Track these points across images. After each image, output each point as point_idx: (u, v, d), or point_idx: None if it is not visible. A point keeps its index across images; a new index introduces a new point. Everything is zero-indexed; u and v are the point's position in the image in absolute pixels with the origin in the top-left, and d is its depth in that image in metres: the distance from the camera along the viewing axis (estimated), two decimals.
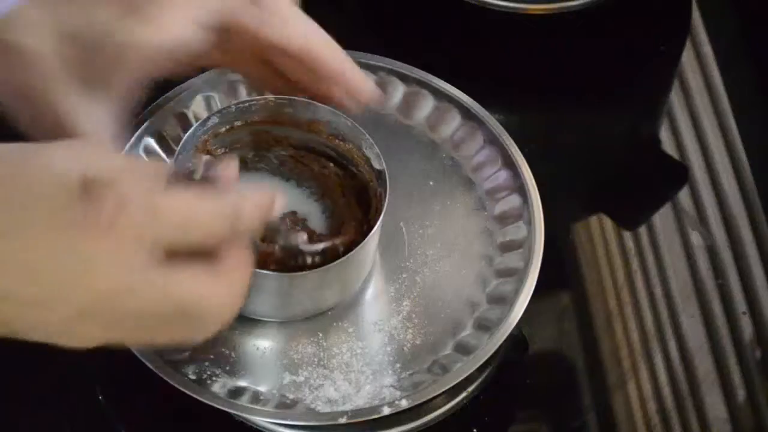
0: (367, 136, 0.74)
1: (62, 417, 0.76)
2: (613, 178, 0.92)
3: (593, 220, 0.88)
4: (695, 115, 0.94)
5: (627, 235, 0.87)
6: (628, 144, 0.94)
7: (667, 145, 0.93)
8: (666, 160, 0.92)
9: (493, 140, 0.81)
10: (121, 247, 0.54)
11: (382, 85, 0.83)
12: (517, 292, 0.75)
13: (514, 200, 0.80)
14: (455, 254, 0.78)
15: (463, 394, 0.73)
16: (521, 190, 0.79)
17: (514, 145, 0.81)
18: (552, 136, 0.92)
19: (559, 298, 0.85)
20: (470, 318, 0.75)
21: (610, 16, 0.97)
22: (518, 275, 0.76)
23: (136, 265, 0.55)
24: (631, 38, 0.99)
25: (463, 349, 0.74)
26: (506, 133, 0.81)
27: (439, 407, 0.73)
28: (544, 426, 0.81)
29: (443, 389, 0.71)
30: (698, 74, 0.97)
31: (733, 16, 1.02)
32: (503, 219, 0.79)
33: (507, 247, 0.78)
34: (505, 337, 0.73)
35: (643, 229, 0.88)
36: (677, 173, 0.91)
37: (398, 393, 0.71)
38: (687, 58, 0.98)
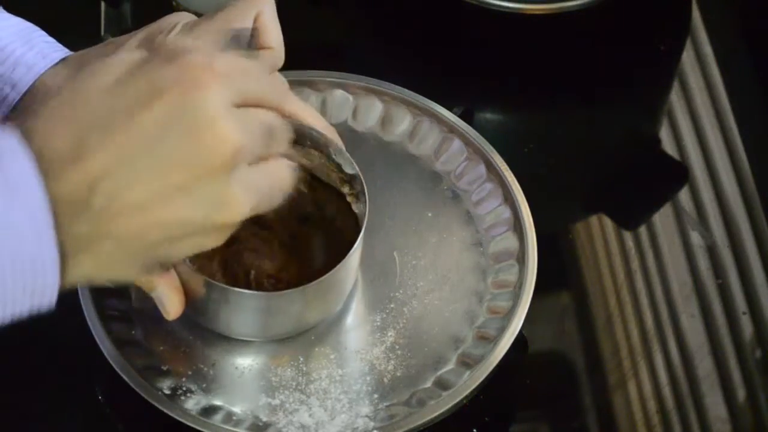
0: (335, 143, 0.71)
1: (62, 417, 0.76)
2: (613, 178, 0.92)
3: (593, 220, 0.88)
4: (695, 115, 0.94)
5: (627, 235, 0.87)
6: (628, 144, 0.94)
7: (667, 145, 0.93)
8: (666, 160, 0.92)
9: (495, 176, 0.81)
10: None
11: (389, 113, 0.84)
12: (502, 330, 0.74)
13: (510, 239, 0.79)
14: (446, 288, 0.78)
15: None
16: (519, 230, 0.79)
17: (516, 182, 0.80)
18: (552, 136, 0.92)
19: (559, 299, 0.85)
20: (454, 354, 0.75)
21: (610, 16, 0.97)
22: (506, 315, 0.76)
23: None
24: (631, 38, 0.99)
25: (442, 384, 0.73)
26: (509, 169, 0.81)
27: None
28: (544, 426, 0.81)
29: (417, 423, 0.71)
30: (698, 74, 0.97)
31: (733, 16, 1.02)
32: (498, 257, 0.79)
33: (498, 286, 0.78)
34: (486, 375, 0.73)
35: (643, 229, 0.88)
36: (677, 173, 0.91)
37: (372, 424, 0.71)
38: (687, 58, 0.98)
